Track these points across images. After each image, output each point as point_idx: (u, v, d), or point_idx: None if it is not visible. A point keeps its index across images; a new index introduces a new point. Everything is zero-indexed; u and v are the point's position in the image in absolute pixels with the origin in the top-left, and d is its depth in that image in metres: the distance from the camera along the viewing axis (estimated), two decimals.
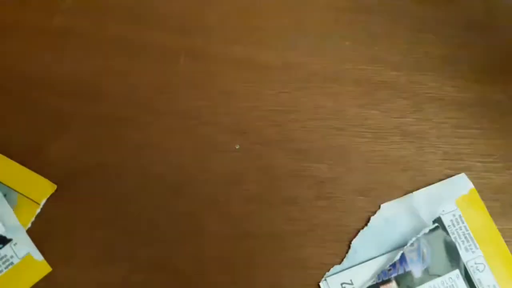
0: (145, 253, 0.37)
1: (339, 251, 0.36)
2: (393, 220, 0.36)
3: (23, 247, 0.37)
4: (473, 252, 0.36)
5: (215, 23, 0.43)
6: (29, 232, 0.37)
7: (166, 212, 0.38)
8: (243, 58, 0.42)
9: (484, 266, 0.35)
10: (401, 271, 0.35)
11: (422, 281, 0.35)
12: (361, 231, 0.37)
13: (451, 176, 0.38)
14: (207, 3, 0.43)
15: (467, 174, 0.38)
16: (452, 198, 0.37)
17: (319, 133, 0.40)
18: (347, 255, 0.36)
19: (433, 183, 0.38)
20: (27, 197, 0.38)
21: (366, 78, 0.41)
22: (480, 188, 0.38)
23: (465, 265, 0.35)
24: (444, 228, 0.36)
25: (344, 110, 0.40)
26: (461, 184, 0.37)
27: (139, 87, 0.41)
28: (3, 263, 0.36)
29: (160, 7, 0.43)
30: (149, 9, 0.43)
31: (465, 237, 0.36)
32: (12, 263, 0.36)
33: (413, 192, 0.37)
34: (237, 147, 0.39)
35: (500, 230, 0.37)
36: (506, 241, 0.37)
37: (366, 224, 0.37)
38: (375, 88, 0.41)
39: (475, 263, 0.35)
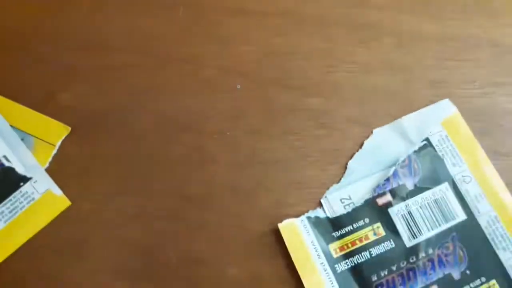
0: (158, 183, 0.39)
1: (338, 172, 0.40)
2: (386, 143, 0.40)
3: (43, 184, 0.39)
4: (459, 166, 0.39)
5: None
6: (48, 171, 0.40)
7: (176, 146, 0.41)
8: (239, 6, 0.45)
9: (470, 178, 0.39)
10: (395, 185, 0.38)
11: (414, 193, 0.38)
12: (357, 153, 0.40)
13: (436, 102, 0.42)
14: None
15: (450, 100, 0.42)
16: (438, 121, 0.40)
17: (314, 70, 0.43)
18: (344, 175, 0.40)
19: (420, 108, 0.41)
20: (43, 140, 0.40)
21: (355, 20, 0.44)
22: (463, 111, 0.41)
23: (453, 178, 0.39)
24: (432, 147, 0.39)
25: (335, 49, 0.43)
26: (446, 108, 0.41)
27: (142, 36, 0.44)
28: (25, 199, 0.38)
29: None
30: None
31: (452, 154, 0.39)
32: (33, 198, 0.39)
33: (402, 117, 0.41)
34: (238, 87, 0.42)
35: (481, 146, 0.40)
36: (487, 155, 0.40)
37: (361, 148, 0.40)
38: (362, 28, 0.44)
39: (462, 176, 0.39)
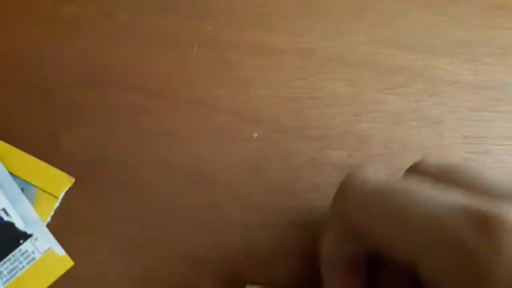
0: (167, 244, 0.37)
1: None
2: None
3: (44, 242, 0.36)
4: None
5: (226, 8, 0.42)
6: (49, 226, 0.37)
7: (186, 202, 0.38)
8: (256, 44, 0.41)
9: None
10: None
11: None
12: None
13: (471, 160, 0.38)
14: None
15: (486, 158, 0.38)
16: None
17: (337, 119, 0.39)
18: None
19: None
20: (45, 191, 0.37)
21: (382, 62, 0.41)
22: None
23: None
24: None
25: (361, 95, 0.40)
26: None
27: (153, 75, 0.40)
28: (25, 258, 0.36)
29: None
30: None
31: None
32: (34, 258, 0.36)
33: None
34: (255, 136, 0.39)
35: None
36: None
37: None
38: (391, 72, 0.41)
39: None
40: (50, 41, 0.41)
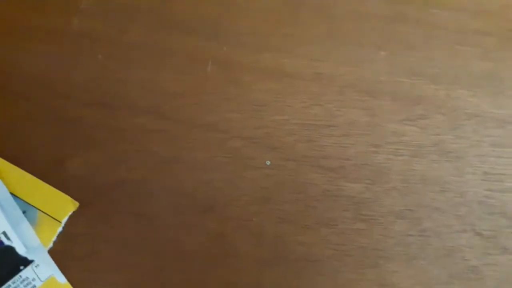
0: (174, 277, 0.35)
1: (377, 278, 0.35)
2: None
3: (46, 269, 0.35)
4: None
5: (244, 29, 0.40)
6: (51, 252, 0.35)
7: (195, 232, 0.36)
8: (273, 67, 0.40)
9: None
10: None
11: None
12: None
13: (490, 198, 0.37)
14: (236, 9, 0.41)
15: (507, 197, 0.37)
16: None
17: (354, 149, 0.38)
18: None
19: (471, 206, 0.36)
20: (48, 215, 0.36)
21: (403, 92, 0.39)
22: None
23: None
24: None
25: (380, 125, 0.38)
26: None
27: (165, 96, 0.39)
28: (25, 286, 0.34)
29: (185, 12, 0.40)
30: (174, 14, 0.40)
31: None
32: (34, 286, 0.35)
33: None
34: (267, 163, 0.37)
35: None
36: None
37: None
38: (412, 102, 0.39)
39: None
40: (60, 57, 0.39)
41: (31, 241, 0.35)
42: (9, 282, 0.34)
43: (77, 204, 0.36)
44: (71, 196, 0.36)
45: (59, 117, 0.38)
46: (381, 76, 0.40)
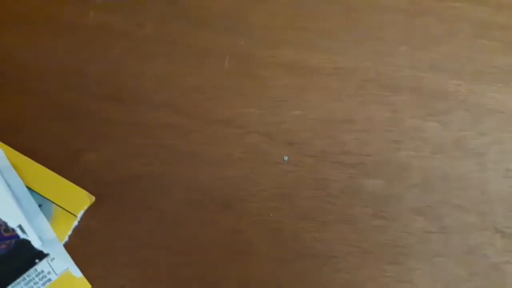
0: (188, 273, 0.35)
1: (397, 275, 0.34)
2: None
3: (61, 263, 0.34)
4: None
5: (262, 23, 0.40)
6: (66, 246, 0.35)
7: (211, 228, 0.36)
8: (291, 61, 0.39)
9: None
10: None
11: None
12: None
13: None
14: (253, 2, 0.40)
15: None
16: None
17: (374, 145, 0.37)
18: None
19: (493, 203, 0.36)
20: (63, 209, 0.35)
21: (424, 87, 0.38)
22: None
23: None
24: None
25: (401, 121, 0.38)
26: None
27: (182, 91, 0.38)
28: (40, 279, 0.34)
29: (203, 5, 0.40)
30: (191, 7, 0.40)
31: None
32: (49, 279, 0.34)
33: None
34: (285, 159, 0.37)
35: None
36: None
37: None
38: (433, 97, 0.38)
39: None
40: (76, 51, 0.39)
41: (47, 235, 0.35)
42: (24, 275, 0.34)
43: (93, 198, 0.35)
44: (87, 190, 0.35)
45: (75, 111, 0.37)
46: (402, 71, 0.39)
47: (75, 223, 0.35)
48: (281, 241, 0.35)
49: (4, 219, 0.34)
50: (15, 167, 0.35)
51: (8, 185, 0.35)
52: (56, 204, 0.35)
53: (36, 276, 0.34)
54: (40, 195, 0.35)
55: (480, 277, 0.34)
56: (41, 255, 0.34)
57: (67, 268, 0.34)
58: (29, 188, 0.35)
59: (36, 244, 0.34)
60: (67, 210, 0.35)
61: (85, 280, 0.34)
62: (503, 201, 0.36)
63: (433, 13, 0.40)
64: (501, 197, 0.36)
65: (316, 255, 0.35)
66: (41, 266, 0.34)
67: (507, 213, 0.36)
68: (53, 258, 0.34)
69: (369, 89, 0.38)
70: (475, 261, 0.35)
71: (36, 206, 0.35)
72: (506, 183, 0.37)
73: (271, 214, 0.36)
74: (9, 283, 0.33)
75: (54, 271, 0.34)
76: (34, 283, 0.34)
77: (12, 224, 0.34)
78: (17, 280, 0.34)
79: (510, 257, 0.35)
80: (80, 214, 0.35)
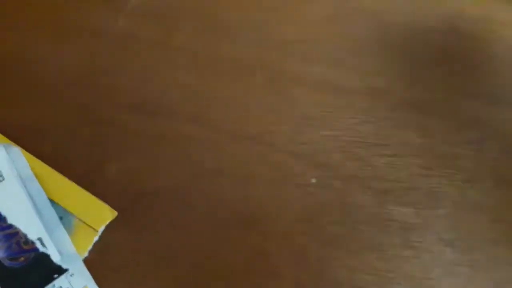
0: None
1: None
2: None
3: (80, 279, 0.34)
4: None
5: (294, 38, 0.38)
6: (86, 261, 0.34)
7: (235, 247, 0.35)
8: (323, 79, 0.38)
9: None
10: None
11: None
12: None
13: None
14: (286, 15, 0.39)
15: None
16: None
17: (405, 171, 0.36)
18: None
19: None
20: (84, 223, 0.34)
21: (458, 112, 0.37)
22: None
23: None
24: None
25: (433, 147, 0.36)
26: None
27: (210, 104, 0.37)
28: None
29: (233, 18, 0.39)
30: (222, 20, 0.39)
31: None
32: None
33: None
34: (313, 181, 0.36)
35: None
36: None
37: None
38: (467, 124, 0.37)
39: None
40: (104, 58, 0.38)
41: (67, 249, 0.34)
42: None
43: (115, 213, 0.34)
44: (109, 204, 0.35)
45: (99, 121, 0.37)
46: (437, 94, 0.38)
47: (96, 238, 0.34)
48: (305, 265, 0.34)
49: (25, 231, 0.33)
50: (37, 177, 0.35)
51: (30, 196, 0.34)
52: (77, 218, 0.34)
53: None
54: (62, 207, 0.35)
55: None
56: (60, 270, 0.33)
57: (86, 285, 0.34)
58: (50, 200, 0.34)
59: (56, 258, 0.33)
60: (88, 224, 0.34)
61: None
62: None
63: (469, 36, 0.39)
64: None
65: (341, 283, 0.34)
66: (60, 282, 0.33)
67: None
68: (72, 274, 0.34)
69: (402, 112, 0.37)
70: None
71: (57, 218, 0.34)
72: None
73: (296, 238, 0.35)
74: None
75: (72, 287, 0.33)
76: None
77: (32, 236, 0.33)
78: None
79: None
80: (101, 229, 0.34)
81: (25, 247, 0.33)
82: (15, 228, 0.34)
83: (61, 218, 0.34)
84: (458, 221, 0.35)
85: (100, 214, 0.35)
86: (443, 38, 0.38)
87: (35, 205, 0.34)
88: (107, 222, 0.35)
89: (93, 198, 0.35)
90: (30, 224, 0.34)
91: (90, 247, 0.34)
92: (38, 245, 0.34)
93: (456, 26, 0.39)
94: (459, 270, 0.34)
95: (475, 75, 0.38)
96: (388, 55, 0.38)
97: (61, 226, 0.34)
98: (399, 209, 0.35)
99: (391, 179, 0.36)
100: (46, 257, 0.34)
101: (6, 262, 0.33)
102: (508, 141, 0.37)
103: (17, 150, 0.35)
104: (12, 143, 0.36)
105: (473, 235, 0.35)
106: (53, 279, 0.34)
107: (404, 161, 0.36)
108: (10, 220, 0.34)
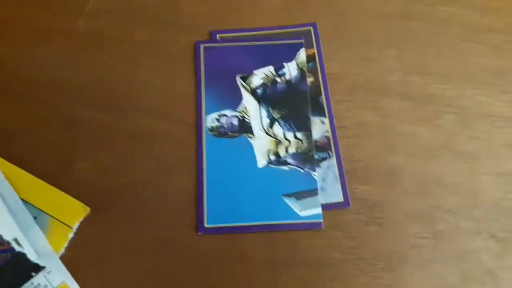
0: (185, 280, 0.35)
1: (392, 281, 0.35)
2: None
3: (58, 276, 0.34)
4: None
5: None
6: (62, 258, 0.35)
7: (204, 241, 0.36)
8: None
9: None
10: None
11: None
12: None
13: (504, 199, 0.36)
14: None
15: None
16: None
17: (366, 151, 0.37)
18: None
19: (487, 206, 0.36)
20: (59, 221, 0.35)
21: (414, 91, 0.39)
22: None
23: None
24: None
25: (391, 126, 0.38)
26: None
27: (175, 99, 0.38)
28: None
29: (187, 11, 0.40)
30: (178, 14, 0.40)
31: None
32: None
33: None
34: None
35: None
36: None
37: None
38: (423, 101, 0.39)
39: None
40: (67, 58, 0.39)
41: (43, 247, 0.35)
42: None
43: (88, 209, 0.35)
44: (82, 201, 0.36)
45: (68, 120, 0.38)
46: (391, 76, 0.39)
47: (71, 234, 0.35)
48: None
49: (0, 231, 0.34)
50: (8, 179, 0.35)
51: (2, 198, 0.35)
52: (52, 216, 0.35)
53: None
54: (35, 207, 0.35)
55: (474, 283, 0.35)
56: (38, 268, 0.34)
57: (64, 281, 0.34)
58: (23, 200, 0.35)
59: (32, 257, 0.34)
60: (62, 222, 0.35)
61: None
62: (495, 205, 0.37)
63: (422, 17, 0.40)
64: (493, 202, 0.37)
65: (311, 263, 0.35)
66: (38, 279, 0.34)
67: (500, 218, 0.36)
68: (50, 271, 0.34)
69: (358, 94, 0.39)
70: (470, 266, 0.35)
71: (31, 218, 0.35)
72: (498, 187, 0.37)
73: None
74: None
75: (50, 284, 0.34)
76: None
77: (7, 237, 0.34)
78: None
79: (504, 262, 0.35)
80: (75, 226, 0.35)
81: (1, 247, 0.34)
82: None
83: (35, 218, 0.35)
84: (419, 195, 0.37)
85: (73, 211, 0.36)
86: (393, 20, 0.40)
87: (8, 206, 0.35)
88: (81, 219, 0.35)
89: (66, 196, 0.36)
90: (5, 225, 0.34)
91: (66, 244, 0.35)
92: (14, 245, 0.34)
93: (407, 8, 0.40)
94: (424, 242, 0.36)
95: (427, 53, 0.39)
96: (341, 39, 0.40)
97: (36, 226, 0.35)
98: (362, 188, 0.37)
99: (352, 159, 0.38)
100: (22, 256, 0.34)
101: None
102: (461, 116, 0.38)
103: None
104: None
105: (435, 208, 0.37)
106: (31, 277, 0.34)
107: (364, 142, 0.38)
108: None
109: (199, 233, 0.35)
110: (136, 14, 0.40)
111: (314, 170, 0.37)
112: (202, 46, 0.40)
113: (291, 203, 0.36)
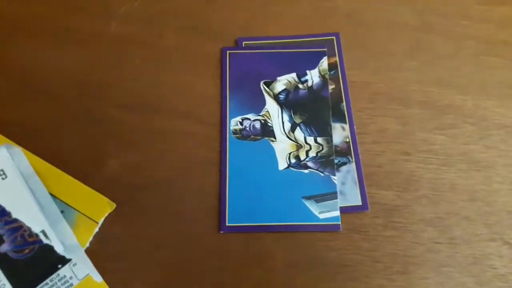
0: (205, 276, 0.35)
1: (407, 284, 0.35)
2: None
3: (83, 268, 0.35)
4: None
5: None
6: (87, 252, 0.36)
7: (228, 238, 0.37)
8: None
9: None
10: None
11: None
12: None
13: None
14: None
15: None
16: None
17: (385, 157, 0.38)
18: None
19: (500, 215, 0.37)
20: (85, 215, 0.36)
21: (432, 101, 0.40)
22: None
23: None
24: None
25: (410, 133, 0.39)
26: None
27: (201, 101, 0.39)
28: (63, 284, 0.35)
29: (215, 18, 0.41)
30: (205, 20, 0.41)
31: None
32: (71, 284, 0.35)
33: None
34: None
35: None
36: None
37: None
38: (441, 111, 0.40)
39: None
40: (99, 60, 0.40)
41: (69, 240, 0.36)
42: (47, 280, 0.35)
43: (113, 205, 0.36)
44: (108, 197, 0.37)
45: (97, 119, 0.39)
46: (411, 86, 0.40)
47: (96, 229, 0.36)
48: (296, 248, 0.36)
49: (28, 224, 0.35)
50: (39, 174, 0.37)
51: (32, 192, 0.36)
52: (78, 211, 0.36)
53: (59, 281, 0.35)
54: (63, 201, 0.37)
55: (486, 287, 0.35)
56: (64, 261, 0.35)
57: (88, 273, 0.35)
58: (52, 195, 0.36)
59: (59, 249, 0.35)
60: (88, 217, 0.36)
61: (105, 285, 0.35)
62: (510, 213, 0.37)
63: (440, 30, 0.42)
64: (508, 210, 0.38)
65: (329, 264, 0.36)
66: (64, 271, 0.35)
67: None
68: (75, 264, 0.35)
69: (379, 102, 0.40)
70: (483, 271, 0.36)
71: (59, 212, 0.36)
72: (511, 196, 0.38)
73: None
74: (33, 287, 0.34)
75: (76, 276, 0.35)
76: None
77: (36, 229, 0.35)
78: (40, 285, 0.35)
79: None
80: (101, 221, 0.36)
81: (29, 239, 0.35)
82: (19, 222, 0.36)
83: (62, 212, 0.36)
84: (436, 201, 0.38)
85: (99, 207, 0.37)
86: (414, 33, 0.41)
87: (37, 200, 0.36)
88: (107, 214, 0.37)
89: (92, 192, 0.37)
90: (33, 218, 0.36)
91: (91, 238, 0.36)
92: (42, 237, 0.35)
93: (427, 21, 0.41)
94: (439, 247, 0.37)
95: (446, 66, 0.40)
96: (363, 49, 0.41)
97: (63, 219, 0.36)
98: (381, 192, 0.38)
99: (372, 164, 0.38)
100: (50, 248, 0.36)
101: (12, 255, 0.35)
102: (478, 126, 0.40)
103: (18, 150, 0.37)
104: (13, 143, 0.38)
105: (451, 214, 0.38)
106: (57, 268, 0.35)
107: (384, 148, 0.39)
108: (14, 215, 0.36)
109: (221, 232, 0.36)
110: (166, 19, 0.42)
111: (333, 174, 0.37)
112: (228, 52, 0.42)
113: (311, 205, 0.36)
